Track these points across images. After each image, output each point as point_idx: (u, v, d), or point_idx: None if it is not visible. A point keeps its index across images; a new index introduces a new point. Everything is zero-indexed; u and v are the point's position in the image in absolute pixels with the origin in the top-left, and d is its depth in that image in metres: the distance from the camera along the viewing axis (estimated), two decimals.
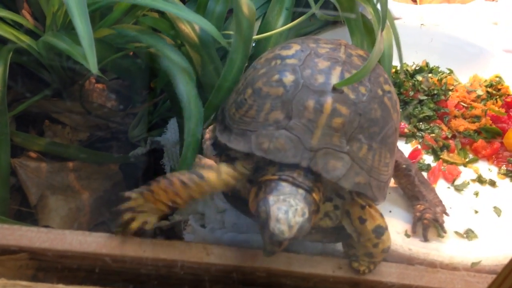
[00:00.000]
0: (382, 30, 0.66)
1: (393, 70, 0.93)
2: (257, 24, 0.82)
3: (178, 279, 0.54)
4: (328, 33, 0.92)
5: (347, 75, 0.57)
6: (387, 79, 0.62)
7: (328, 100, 0.55)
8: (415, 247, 0.65)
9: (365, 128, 0.56)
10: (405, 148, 0.83)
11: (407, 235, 0.69)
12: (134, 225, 0.58)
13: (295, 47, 0.61)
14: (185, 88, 0.64)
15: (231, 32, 0.73)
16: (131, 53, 0.85)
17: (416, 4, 1.38)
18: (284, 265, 0.56)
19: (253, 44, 0.78)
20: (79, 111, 0.93)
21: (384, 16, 0.67)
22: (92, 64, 0.55)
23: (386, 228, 0.57)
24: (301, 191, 0.52)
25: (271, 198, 0.51)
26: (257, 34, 0.79)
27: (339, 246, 0.62)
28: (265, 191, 0.53)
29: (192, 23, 0.72)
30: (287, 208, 0.50)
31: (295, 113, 0.55)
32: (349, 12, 0.82)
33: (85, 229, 0.79)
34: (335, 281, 0.56)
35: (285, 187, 0.52)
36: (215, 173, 0.56)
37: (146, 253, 0.54)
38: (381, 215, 0.57)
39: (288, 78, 0.57)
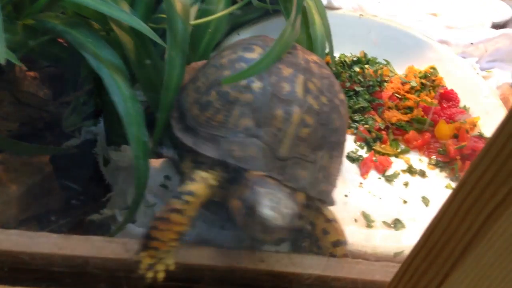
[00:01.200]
0: (294, 21, 0.65)
1: (331, 60, 0.94)
2: (195, 9, 0.80)
3: (93, 277, 0.53)
4: (268, 21, 0.91)
5: (310, 85, 0.58)
6: (340, 87, 0.64)
7: (296, 110, 0.56)
8: None
9: (326, 138, 0.57)
10: None
11: None
12: (160, 276, 0.55)
13: (258, 50, 0.61)
14: (119, 91, 0.60)
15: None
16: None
17: None
18: (205, 260, 0.55)
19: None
20: (9, 100, 0.89)
21: (298, 6, 0.66)
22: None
23: (346, 242, 0.60)
24: (284, 189, 0.53)
25: (261, 189, 0.50)
26: (197, 17, 0.77)
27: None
28: (251, 185, 0.52)
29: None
30: (277, 200, 0.50)
31: (265, 121, 0.55)
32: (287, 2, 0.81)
33: (13, 224, 0.77)
34: (257, 273, 0.56)
35: (271, 183, 0.52)
36: (201, 184, 0.54)
37: (62, 250, 0.53)
38: (343, 231, 0.60)
39: (256, 84, 0.57)
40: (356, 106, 0.86)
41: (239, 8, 0.80)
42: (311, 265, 0.57)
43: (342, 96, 0.63)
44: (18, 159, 0.81)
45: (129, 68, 0.66)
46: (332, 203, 0.60)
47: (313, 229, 0.58)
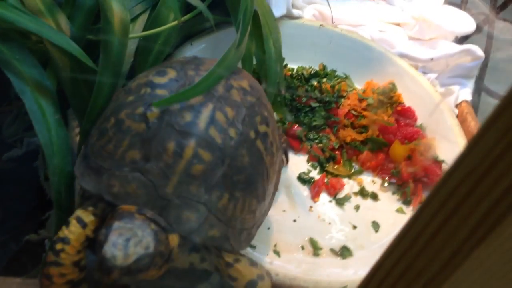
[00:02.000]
0: (239, 43, 0.61)
1: (289, 73, 0.90)
2: (144, 18, 0.75)
3: None
4: (223, 31, 0.87)
5: (218, 115, 0.52)
6: (266, 118, 0.57)
7: (190, 144, 0.50)
8: (282, 271, 0.63)
9: (228, 176, 0.51)
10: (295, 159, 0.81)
11: (276, 252, 0.67)
12: None
13: (170, 75, 0.56)
14: (42, 119, 0.56)
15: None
16: None
17: None
18: None
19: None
20: None
21: (244, 27, 0.62)
22: None
23: (261, 278, 0.54)
24: (153, 226, 0.47)
25: (116, 224, 0.46)
26: (146, 27, 0.73)
27: None
28: (113, 217, 0.47)
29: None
30: (130, 236, 0.45)
31: (154, 154, 0.50)
32: (238, 12, 0.77)
33: None
34: None
35: (137, 219, 0.47)
36: (75, 226, 0.50)
37: None
38: (252, 266, 0.55)
39: (153, 113, 0.51)
40: (313, 124, 0.83)
41: (191, 17, 0.76)
42: None
43: (264, 127, 0.56)
44: None
45: (61, 90, 0.62)
46: (234, 249, 0.53)
47: (222, 276, 0.54)
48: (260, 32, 0.76)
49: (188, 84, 0.54)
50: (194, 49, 0.85)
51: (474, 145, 0.21)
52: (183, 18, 0.73)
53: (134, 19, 0.73)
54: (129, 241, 0.45)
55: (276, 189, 0.64)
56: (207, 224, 0.50)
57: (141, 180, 0.49)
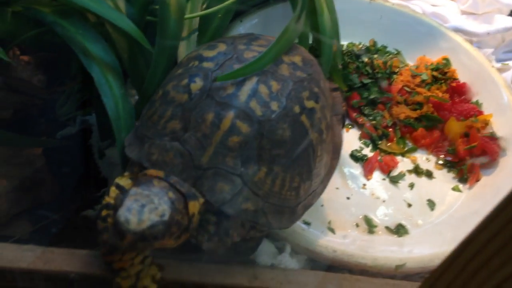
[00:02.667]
0: (298, 16, 0.60)
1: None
2: None
3: None
4: (272, 7, 0.86)
5: (261, 88, 0.51)
6: (316, 94, 0.56)
7: (229, 115, 0.50)
8: (340, 247, 0.63)
9: (266, 149, 0.50)
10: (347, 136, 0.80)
11: (331, 229, 0.67)
12: None
13: (220, 48, 0.56)
14: (110, 92, 0.57)
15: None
16: None
17: None
18: (196, 277, 0.52)
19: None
20: (1, 87, 0.86)
21: (304, 2, 0.61)
22: None
23: None
24: (171, 195, 0.47)
25: (134, 190, 0.46)
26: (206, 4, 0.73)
27: None
28: (133, 184, 0.48)
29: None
30: (146, 203, 0.45)
31: (193, 125, 0.50)
32: None
33: (3, 220, 0.75)
34: None
35: (156, 186, 0.47)
36: (114, 191, 0.52)
37: (47, 266, 0.50)
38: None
39: (197, 84, 0.52)
40: (371, 97, 0.82)
41: None
42: (306, 282, 0.54)
43: (311, 103, 0.55)
44: (9, 151, 0.79)
45: (121, 64, 0.62)
46: (270, 225, 0.52)
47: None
48: (314, 6, 0.75)
49: (235, 57, 0.54)
50: (243, 26, 0.84)
51: None
52: None
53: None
54: (144, 207, 0.45)
55: (331, 171, 0.62)
56: (241, 196, 0.50)
57: (178, 149, 0.50)
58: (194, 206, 0.48)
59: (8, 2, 0.69)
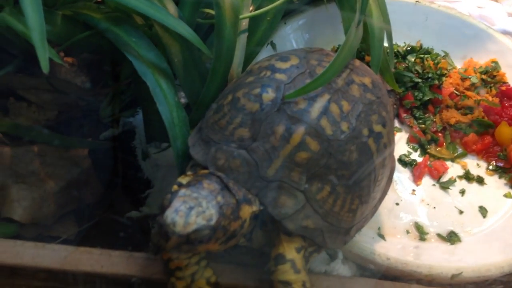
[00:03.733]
0: (358, 22, 0.59)
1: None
2: None
3: None
4: (315, 9, 0.85)
5: (332, 107, 0.51)
6: (384, 118, 0.55)
7: (299, 131, 0.49)
8: (393, 255, 0.61)
9: (332, 169, 0.50)
10: None
11: (381, 236, 0.66)
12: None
13: (293, 61, 0.55)
14: (165, 100, 0.57)
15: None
16: None
17: None
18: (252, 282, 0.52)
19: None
20: (46, 88, 0.87)
21: (364, 6, 0.60)
22: (43, 63, 0.48)
23: (288, 261, 0.50)
24: (220, 199, 0.46)
25: (183, 191, 0.46)
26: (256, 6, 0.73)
27: None
28: (185, 184, 0.48)
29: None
30: (194, 205, 0.45)
31: (262, 135, 0.50)
32: None
33: (51, 220, 0.75)
34: None
35: (205, 189, 0.46)
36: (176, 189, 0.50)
37: (105, 269, 0.50)
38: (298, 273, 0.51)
39: (269, 95, 0.51)
40: (425, 98, 0.80)
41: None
42: None
43: (379, 128, 0.54)
44: (56, 152, 0.79)
45: (172, 70, 0.62)
46: (325, 244, 0.52)
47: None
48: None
49: (308, 72, 0.54)
50: (288, 28, 0.83)
51: None
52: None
53: None
54: (192, 209, 0.44)
55: (384, 195, 0.61)
56: (303, 213, 0.50)
57: (245, 157, 0.50)
58: (247, 212, 0.48)
59: (58, 5, 0.69)
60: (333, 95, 0.52)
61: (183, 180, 0.51)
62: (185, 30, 0.57)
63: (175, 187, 0.50)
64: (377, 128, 0.54)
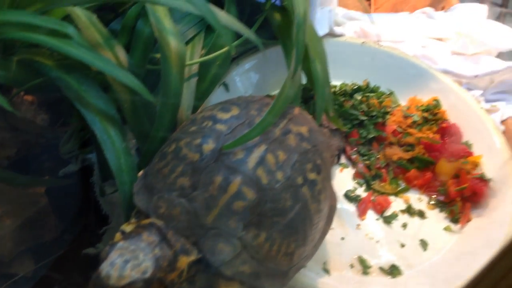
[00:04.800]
0: (294, 73, 0.63)
1: (332, 90, 0.92)
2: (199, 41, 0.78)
3: None
4: (268, 50, 0.89)
5: (268, 157, 0.54)
6: (318, 166, 0.58)
7: (236, 181, 0.52)
8: None
9: (268, 216, 0.53)
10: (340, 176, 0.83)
11: (326, 270, 0.69)
12: None
13: (233, 112, 0.59)
14: (112, 147, 0.59)
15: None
16: None
17: (370, 6, 1.37)
18: None
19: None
20: (6, 126, 0.88)
21: (298, 56, 0.64)
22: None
23: None
24: (157, 251, 0.48)
25: (121, 243, 0.48)
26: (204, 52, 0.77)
27: None
28: (124, 236, 0.50)
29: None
30: (130, 258, 0.46)
31: (202, 184, 0.52)
32: (286, 35, 0.80)
33: (7, 258, 0.76)
34: None
35: (144, 241, 0.48)
36: (118, 237, 0.52)
37: None
38: None
39: (209, 145, 0.54)
40: (369, 136, 0.85)
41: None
42: None
43: (313, 175, 0.57)
44: (13, 191, 0.81)
45: (122, 115, 0.65)
46: (262, 287, 0.54)
47: None
48: (307, 54, 0.78)
49: (247, 123, 0.57)
50: (240, 69, 0.87)
51: None
52: (234, 43, 0.75)
53: (188, 42, 0.77)
54: (128, 262, 0.46)
55: (324, 234, 0.64)
56: (240, 259, 0.52)
57: (185, 206, 0.52)
58: (184, 262, 0.50)
59: (14, 51, 0.72)
60: (269, 145, 0.55)
61: (127, 228, 0.53)
62: (130, 80, 0.60)
63: (118, 235, 0.53)
64: (311, 176, 0.57)
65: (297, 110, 0.64)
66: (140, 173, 0.62)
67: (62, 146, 0.90)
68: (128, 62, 0.68)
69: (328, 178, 0.62)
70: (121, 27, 0.73)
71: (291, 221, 0.54)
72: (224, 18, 0.67)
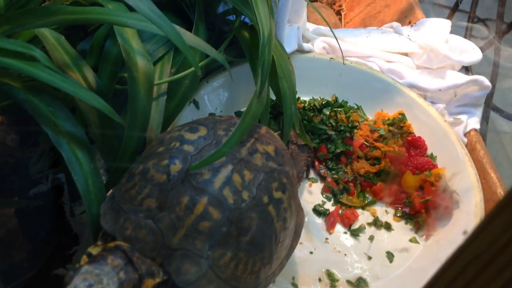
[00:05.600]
0: (259, 92, 0.64)
1: (301, 105, 0.94)
2: (168, 59, 0.79)
3: None
4: (238, 67, 0.91)
5: (235, 177, 0.55)
6: (284, 184, 0.60)
7: (202, 201, 0.53)
8: None
9: (233, 236, 0.54)
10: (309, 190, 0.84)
11: (295, 285, 0.70)
12: None
13: (201, 132, 0.60)
14: (80, 169, 0.60)
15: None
16: None
17: (341, 21, 1.40)
18: None
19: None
20: None
21: (264, 75, 0.66)
22: None
23: None
24: (122, 275, 0.49)
25: (85, 268, 0.48)
26: (173, 72, 0.78)
27: None
28: (89, 260, 0.50)
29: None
30: (94, 283, 0.47)
31: (168, 205, 0.53)
32: (254, 53, 0.81)
33: None
34: None
35: (108, 265, 0.49)
36: (85, 260, 0.53)
37: None
38: None
39: (176, 166, 0.55)
40: (337, 151, 0.87)
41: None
42: None
43: (279, 194, 0.58)
44: None
45: (90, 135, 0.65)
46: None
47: None
48: (275, 71, 0.80)
49: (214, 143, 0.58)
50: (210, 87, 0.88)
51: (479, 233, 0.24)
52: (201, 64, 0.76)
53: (157, 61, 0.78)
54: (91, 287, 0.46)
55: (291, 251, 0.65)
56: (205, 279, 0.53)
57: (151, 227, 0.53)
58: (149, 285, 0.50)
59: None
60: (236, 165, 0.56)
61: (93, 250, 0.54)
62: (97, 102, 0.61)
63: (84, 258, 0.53)
64: (277, 194, 0.58)
65: (264, 129, 0.65)
66: (110, 192, 0.62)
67: (32, 166, 0.90)
68: (96, 82, 0.68)
69: (294, 196, 0.63)
70: (90, 47, 0.74)
71: (256, 240, 0.55)
72: (191, 38, 0.69)
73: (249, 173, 0.57)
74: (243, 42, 0.83)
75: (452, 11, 1.30)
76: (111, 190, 0.62)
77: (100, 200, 0.61)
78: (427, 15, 1.20)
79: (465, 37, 1.17)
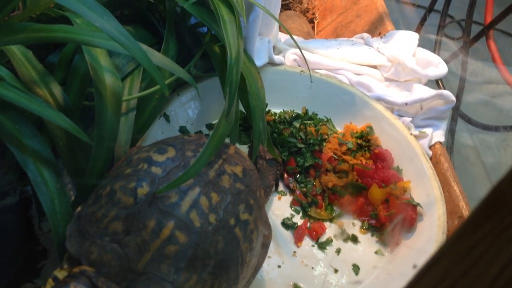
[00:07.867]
0: (227, 113, 0.65)
1: (272, 118, 0.95)
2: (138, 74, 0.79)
3: None
4: (208, 80, 0.92)
5: (202, 200, 0.56)
6: (251, 206, 0.60)
7: (169, 225, 0.53)
8: None
9: (199, 259, 0.54)
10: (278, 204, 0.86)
11: None
12: None
13: (169, 154, 0.60)
14: (46, 188, 0.59)
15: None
16: None
17: (313, 29, 1.41)
18: None
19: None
20: None
21: (231, 97, 0.67)
22: None
23: None
24: None
25: None
26: (142, 87, 0.78)
27: None
28: (54, 286, 0.51)
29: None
30: None
31: (135, 229, 0.53)
32: (224, 69, 0.82)
33: None
34: None
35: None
36: (50, 283, 0.53)
37: None
38: None
39: (143, 189, 0.55)
40: (306, 164, 0.88)
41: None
42: None
43: (246, 216, 0.59)
44: None
45: (57, 152, 0.65)
46: None
47: None
48: (245, 87, 0.81)
49: (182, 165, 0.58)
50: (180, 100, 0.89)
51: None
52: (167, 81, 0.77)
53: (127, 76, 0.78)
54: None
55: (258, 269, 0.66)
56: None
57: (117, 251, 0.53)
58: None
59: None
60: (203, 187, 0.57)
61: (59, 273, 0.54)
62: (64, 122, 0.60)
63: (50, 281, 0.53)
64: (244, 216, 0.59)
65: (232, 149, 0.66)
66: (77, 210, 0.62)
67: (1, 178, 0.89)
68: (64, 99, 0.68)
69: (261, 216, 0.64)
70: (58, 62, 0.74)
71: (222, 262, 0.56)
72: (158, 58, 0.69)
73: (217, 196, 0.57)
74: (213, 57, 0.84)
75: (421, 24, 1.32)
76: (79, 208, 0.62)
77: (67, 220, 0.60)
78: (397, 27, 1.22)
79: (433, 50, 1.20)
